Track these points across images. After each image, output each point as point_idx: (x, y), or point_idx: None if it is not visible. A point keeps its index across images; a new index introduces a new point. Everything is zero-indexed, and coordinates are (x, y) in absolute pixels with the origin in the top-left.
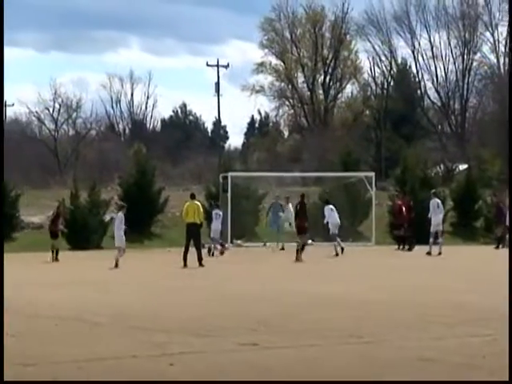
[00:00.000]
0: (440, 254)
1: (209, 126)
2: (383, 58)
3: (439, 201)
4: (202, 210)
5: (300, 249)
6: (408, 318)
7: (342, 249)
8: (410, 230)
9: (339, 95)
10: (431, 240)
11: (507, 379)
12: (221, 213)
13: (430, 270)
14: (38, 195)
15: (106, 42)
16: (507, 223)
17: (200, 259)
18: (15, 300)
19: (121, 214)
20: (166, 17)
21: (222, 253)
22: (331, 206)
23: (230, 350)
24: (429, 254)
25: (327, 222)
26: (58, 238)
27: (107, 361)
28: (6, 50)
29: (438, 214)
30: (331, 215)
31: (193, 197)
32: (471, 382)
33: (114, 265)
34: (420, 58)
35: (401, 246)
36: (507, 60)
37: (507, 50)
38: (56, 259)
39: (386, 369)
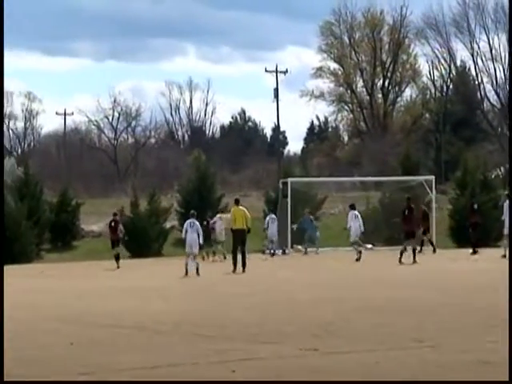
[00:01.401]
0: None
1: (268, 132)
2: (442, 61)
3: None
4: (248, 215)
5: (403, 251)
6: (469, 322)
7: (360, 252)
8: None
9: (398, 99)
10: (505, 242)
11: (506, 380)
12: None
13: (492, 273)
14: (98, 204)
15: (162, 50)
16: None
17: (245, 264)
18: (76, 308)
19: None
20: (221, 24)
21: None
22: (356, 213)
23: (291, 355)
24: (504, 256)
25: (350, 228)
26: (119, 246)
27: (163, 368)
28: (64, 60)
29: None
30: (354, 222)
31: (237, 202)
32: (471, 381)
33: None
34: (479, 61)
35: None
36: None
37: None
38: (117, 266)
39: (449, 373)
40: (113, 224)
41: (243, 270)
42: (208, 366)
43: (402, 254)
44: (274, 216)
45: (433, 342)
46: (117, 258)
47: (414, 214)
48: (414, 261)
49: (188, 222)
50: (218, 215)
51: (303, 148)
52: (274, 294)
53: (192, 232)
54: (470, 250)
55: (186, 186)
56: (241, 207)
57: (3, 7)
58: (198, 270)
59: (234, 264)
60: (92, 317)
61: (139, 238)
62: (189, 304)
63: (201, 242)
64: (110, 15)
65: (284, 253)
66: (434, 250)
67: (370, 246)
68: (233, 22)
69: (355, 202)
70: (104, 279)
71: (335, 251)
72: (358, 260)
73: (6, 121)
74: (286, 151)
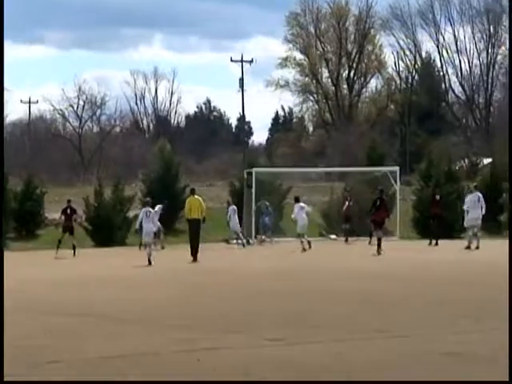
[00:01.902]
0: (478, 248)
1: (233, 122)
2: (407, 53)
3: (480, 195)
4: (204, 205)
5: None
6: (434, 313)
7: (309, 243)
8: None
9: (363, 90)
10: (470, 233)
11: (506, 380)
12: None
13: (457, 264)
14: (63, 192)
15: (128, 39)
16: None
17: (196, 254)
18: (39, 297)
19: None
20: (188, 13)
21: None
22: (301, 205)
23: (257, 345)
24: (468, 247)
25: (295, 220)
26: (73, 234)
27: (133, 357)
28: (29, 49)
29: (477, 208)
30: (299, 214)
31: (193, 192)
32: (471, 381)
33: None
34: (444, 53)
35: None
36: None
37: None
38: (74, 255)
39: (413, 363)
40: (68, 211)
41: (195, 259)
42: (173, 354)
43: (379, 244)
44: (234, 207)
45: (397, 333)
46: (73, 248)
47: (385, 206)
48: (380, 251)
49: (144, 211)
50: None
51: (268, 138)
52: (239, 284)
53: (148, 221)
54: (429, 241)
55: (150, 175)
56: (196, 197)
57: (3, 7)
58: (150, 259)
59: (192, 253)
60: (55, 305)
61: (103, 227)
62: (153, 293)
63: (155, 230)
64: (77, 4)
65: (248, 243)
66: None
67: (333, 236)
68: (200, 12)
69: (320, 193)
70: (66, 268)
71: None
72: (304, 250)
73: None
74: (251, 141)
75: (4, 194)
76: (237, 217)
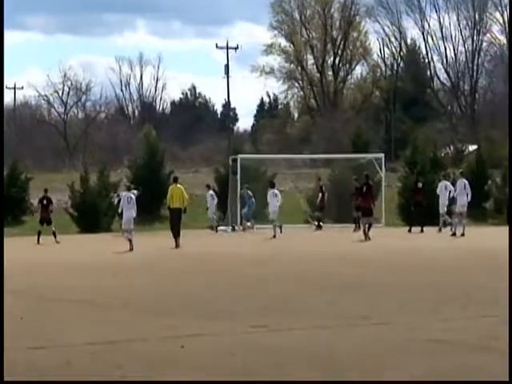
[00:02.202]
0: (463, 235)
1: (218, 109)
2: (393, 39)
3: (466, 181)
4: (185, 194)
5: (367, 228)
6: (417, 299)
7: (281, 228)
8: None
9: (349, 77)
10: (456, 220)
11: (506, 380)
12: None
13: (442, 251)
14: (48, 178)
15: (113, 25)
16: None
17: (178, 241)
18: (25, 283)
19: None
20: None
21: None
22: (275, 191)
23: (241, 332)
24: (454, 234)
25: (269, 206)
26: (51, 224)
27: (118, 344)
28: (15, 34)
29: (463, 195)
30: (272, 200)
31: (176, 180)
32: (471, 381)
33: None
34: (429, 39)
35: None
36: None
37: None
38: (56, 241)
39: (396, 350)
40: (44, 202)
41: (177, 245)
42: (158, 341)
43: (365, 231)
44: (212, 193)
45: (382, 320)
46: (53, 234)
47: (371, 192)
48: (367, 238)
49: (125, 196)
50: None
51: (253, 124)
52: (224, 270)
53: (129, 208)
54: (409, 228)
55: (135, 161)
56: (178, 185)
57: (3, 7)
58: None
59: (175, 240)
60: (41, 291)
61: (89, 213)
62: (137, 279)
63: (134, 215)
64: None
65: (234, 229)
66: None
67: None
68: None
69: (305, 179)
70: (49, 254)
71: (284, 228)
72: (274, 237)
73: None
74: (236, 128)
75: None
76: (214, 202)
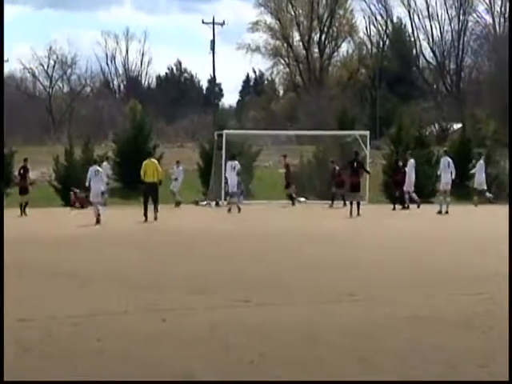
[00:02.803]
0: (447, 213)
1: (204, 84)
2: (379, 18)
3: (450, 159)
4: (159, 168)
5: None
6: (400, 277)
7: (236, 205)
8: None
9: (335, 54)
10: (441, 198)
11: (506, 380)
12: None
13: (427, 229)
14: (33, 152)
15: None
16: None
17: (156, 215)
18: (8, 256)
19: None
20: None
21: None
22: (233, 163)
23: (222, 306)
24: (439, 212)
25: (226, 179)
26: (27, 194)
27: (100, 317)
28: (5, 8)
29: (447, 173)
30: (230, 173)
31: (150, 155)
32: (471, 381)
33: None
34: (416, 18)
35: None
36: (502, 20)
37: (503, 9)
38: (24, 214)
39: (378, 327)
40: (21, 171)
41: (155, 218)
42: (139, 314)
43: (351, 208)
44: (180, 168)
45: (365, 297)
46: (24, 206)
47: (361, 169)
48: (358, 213)
49: (92, 170)
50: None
51: (239, 101)
52: (205, 245)
53: (97, 181)
54: (393, 207)
55: (121, 135)
56: (153, 160)
57: (3, 7)
58: (98, 218)
59: (145, 215)
60: (22, 265)
61: (73, 187)
62: (121, 253)
63: (103, 189)
64: None
65: (217, 205)
66: (344, 204)
67: (303, 199)
68: None
69: (290, 156)
70: (33, 226)
71: (268, 204)
72: (229, 211)
73: None
74: (221, 103)
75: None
76: (180, 179)
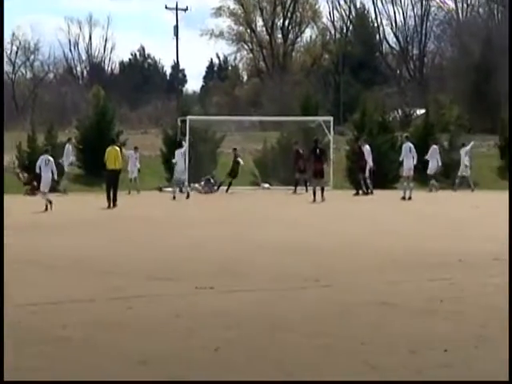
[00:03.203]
0: (410, 198)
1: (167, 70)
2: (342, 3)
3: (411, 145)
4: (120, 155)
5: (315, 190)
6: (365, 263)
7: (188, 194)
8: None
9: (298, 39)
10: (404, 184)
11: (506, 380)
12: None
13: (391, 214)
14: None
15: None
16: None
17: (115, 201)
18: None
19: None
20: None
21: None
22: (182, 151)
23: (187, 293)
24: (403, 198)
25: (175, 164)
26: None
27: (65, 304)
28: None
29: (409, 158)
30: (179, 160)
31: (113, 142)
32: (471, 381)
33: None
34: (379, 3)
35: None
36: (465, 5)
37: None
38: None
39: (343, 312)
40: None
41: (114, 205)
42: (106, 302)
43: (315, 194)
44: (132, 152)
45: (329, 282)
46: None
47: (324, 155)
48: (323, 199)
49: (42, 158)
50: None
51: (202, 86)
52: (170, 231)
53: (47, 171)
54: (356, 192)
55: (84, 121)
56: (115, 147)
57: (3, 7)
58: (48, 206)
59: (108, 201)
60: None
61: (36, 173)
62: (85, 240)
63: (55, 177)
64: None
65: (181, 191)
66: (306, 190)
67: (267, 185)
68: None
69: (254, 142)
70: None
71: (232, 190)
72: (174, 198)
73: None
74: (185, 89)
75: None
76: (137, 163)
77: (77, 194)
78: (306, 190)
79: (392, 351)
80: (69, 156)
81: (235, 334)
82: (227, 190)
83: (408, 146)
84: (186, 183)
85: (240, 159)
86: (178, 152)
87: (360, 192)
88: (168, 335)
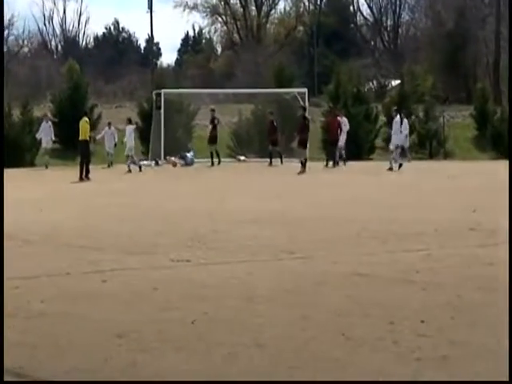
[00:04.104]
0: (391, 169)
1: (142, 44)
2: None
3: (404, 119)
4: (85, 126)
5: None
6: (341, 234)
7: (140, 167)
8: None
9: (272, 11)
10: (392, 156)
11: (506, 380)
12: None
13: (365, 186)
14: None
15: None
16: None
17: (88, 173)
18: None
19: None
20: None
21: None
22: (132, 127)
23: (163, 266)
24: (390, 169)
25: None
26: None
27: (40, 278)
28: None
29: (397, 133)
30: (130, 136)
31: (85, 114)
32: (471, 381)
33: None
34: None
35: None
36: None
37: None
38: None
39: (319, 284)
40: None
41: (87, 177)
42: (81, 276)
43: (303, 164)
44: (106, 128)
45: (305, 254)
46: None
47: (307, 125)
48: (303, 171)
49: None
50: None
51: (177, 59)
52: (145, 204)
53: None
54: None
55: (58, 95)
56: (84, 119)
57: (3, 7)
58: None
59: (80, 173)
60: None
61: (12, 149)
62: (58, 214)
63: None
64: None
65: (157, 164)
66: (281, 162)
67: (242, 157)
68: None
69: (229, 114)
70: None
71: (208, 163)
72: (129, 172)
73: None
74: (159, 63)
75: None
76: (113, 138)
77: (53, 169)
78: (282, 162)
79: (368, 322)
80: (48, 134)
81: (212, 306)
82: (219, 163)
83: (398, 118)
84: (135, 158)
85: (217, 120)
86: (128, 128)
87: (330, 164)
88: (144, 308)
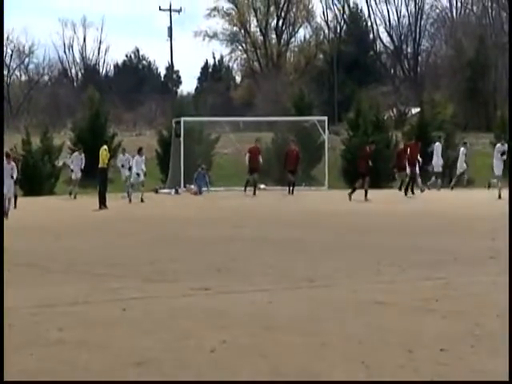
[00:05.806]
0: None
1: (162, 71)
2: (336, 2)
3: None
4: (104, 154)
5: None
6: (361, 261)
7: (130, 199)
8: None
9: (292, 39)
10: (432, 179)
11: (506, 380)
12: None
13: (389, 213)
14: None
15: None
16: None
17: (105, 202)
18: None
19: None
20: None
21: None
22: (140, 158)
23: (182, 294)
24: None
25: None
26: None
27: (60, 307)
28: None
29: (439, 157)
30: (136, 165)
31: (106, 143)
32: (471, 381)
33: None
34: (372, 2)
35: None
36: (459, 4)
37: None
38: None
39: (339, 312)
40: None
41: (104, 206)
42: (100, 304)
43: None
44: (123, 156)
45: (325, 282)
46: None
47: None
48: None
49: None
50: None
51: (197, 87)
52: (165, 231)
53: (6, 177)
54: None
55: (79, 123)
56: (104, 147)
57: (3, 7)
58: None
59: (99, 202)
60: None
61: (31, 176)
62: (80, 242)
63: (14, 176)
64: None
65: (177, 192)
66: (291, 192)
67: (263, 186)
68: None
69: (248, 142)
70: None
71: (228, 191)
72: (130, 201)
73: None
74: (179, 91)
75: None
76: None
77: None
78: (291, 192)
79: (388, 350)
80: (78, 164)
81: (231, 335)
82: (254, 192)
83: (439, 145)
84: (130, 189)
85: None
86: (137, 158)
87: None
88: (163, 336)
